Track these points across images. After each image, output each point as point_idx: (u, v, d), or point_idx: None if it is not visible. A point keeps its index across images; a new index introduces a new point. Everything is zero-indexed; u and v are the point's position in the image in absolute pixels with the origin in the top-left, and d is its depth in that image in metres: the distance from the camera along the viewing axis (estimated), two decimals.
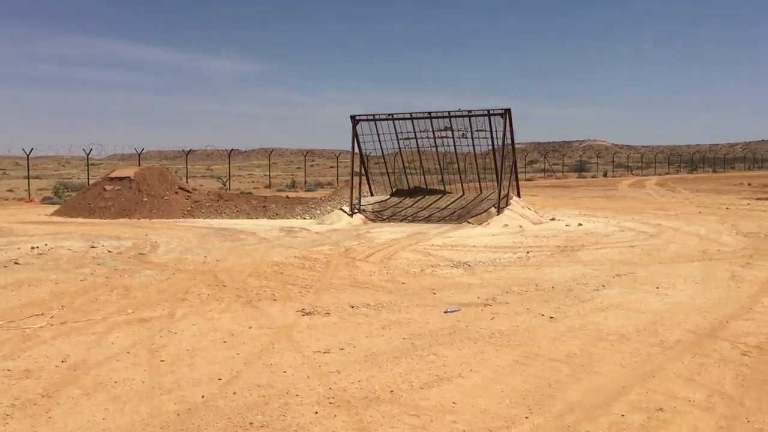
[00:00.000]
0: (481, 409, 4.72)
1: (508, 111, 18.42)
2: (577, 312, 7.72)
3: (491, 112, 18.64)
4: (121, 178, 23.26)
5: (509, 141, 18.75)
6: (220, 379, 5.41)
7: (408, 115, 19.54)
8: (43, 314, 7.61)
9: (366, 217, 19.46)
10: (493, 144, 19.09)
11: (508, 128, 18.44)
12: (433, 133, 19.56)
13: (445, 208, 19.71)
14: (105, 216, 21.87)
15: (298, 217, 21.46)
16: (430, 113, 19.34)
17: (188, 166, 42.66)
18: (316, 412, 4.70)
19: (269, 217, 21.51)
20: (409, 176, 22.08)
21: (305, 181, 45.73)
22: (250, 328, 7.07)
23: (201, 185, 36.48)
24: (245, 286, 9.38)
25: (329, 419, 4.58)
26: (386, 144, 20.38)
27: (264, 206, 22.28)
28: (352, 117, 19.65)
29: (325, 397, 5.00)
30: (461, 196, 20.22)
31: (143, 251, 12.99)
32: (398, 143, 20.35)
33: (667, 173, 70.19)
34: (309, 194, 33.84)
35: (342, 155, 57.02)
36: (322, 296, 8.68)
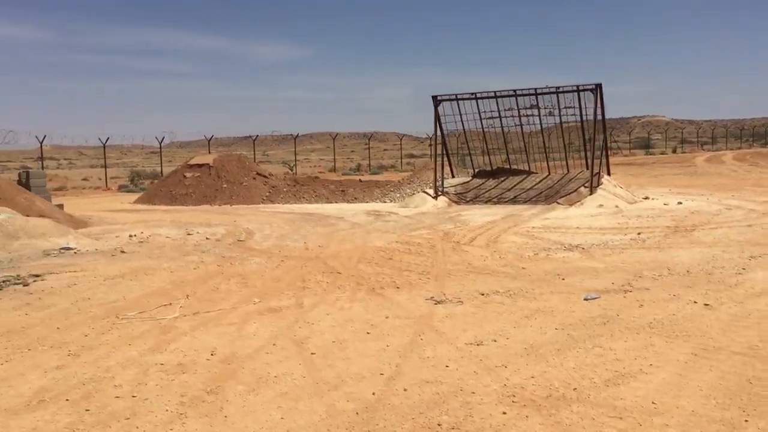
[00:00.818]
0: (688, 411, 4.29)
1: (599, 86, 17.65)
2: (731, 298, 7.16)
3: (580, 87, 17.89)
4: (200, 165, 23.40)
5: (600, 117, 17.98)
6: (382, 374, 5.12)
7: (492, 94, 18.96)
8: (171, 304, 7.48)
9: (449, 199, 19.03)
10: (581, 121, 18.36)
11: (599, 104, 17.67)
12: (518, 112, 18.94)
13: (531, 188, 19.11)
14: (186, 203, 22.05)
15: (377, 200, 21.20)
16: (515, 91, 18.72)
17: (244, 152, 42.74)
18: (504, 413, 4.35)
19: (348, 201, 21.31)
20: (490, 157, 21.49)
21: (369, 164, 45.49)
22: (386, 318, 6.77)
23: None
24: (360, 273, 9.11)
25: (522, 420, 4.23)
26: (468, 124, 19.86)
27: (342, 190, 22.08)
28: (434, 97, 19.18)
29: (504, 395, 4.65)
30: (547, 176, 19.57)
31: (241, 238, 12.89)
32: (481, 123, 19.82)
33: (740, 148, 67.30)
34: (379, 177, 33.53)
35: (405, 138, 56.73)
36: (445, 283, 8.33)
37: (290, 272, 9.26)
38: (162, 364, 5.45)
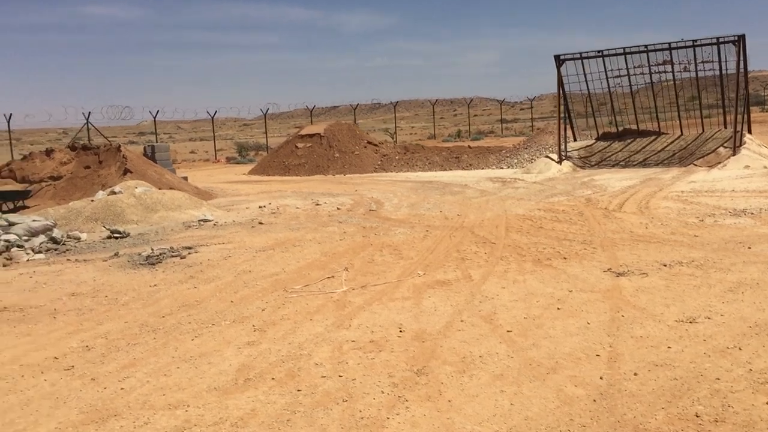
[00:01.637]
0: None
1: (741, 37, 16.20)
2: None
3: (720, 39, 16.49)
4: (311, 135, 23.43)
5: (742, 71, 16.55)
6: (598, 356, 4.67)
7: (621, 51, 17.80)
8: (333, 277, 7.28)
9: (573, 164, 18.16)
10: (721, 76, 16.97)
11: (741, 57, 16.24)
12: (650, 69, 17.73)
13: (662, 150, 17.94)
14: (299, 173, 22.16)
15: (493, 166, 20.56)
16: (646, 47, 17.49)
17: (311, 121, 42.43)
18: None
19: (463, 168, 20.78)
20: (616, 117, 20.29)
21: (469, 131, 44.58)
22: (570, 292, 6.29)
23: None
24: (515, 242, 8.64)
25: None
26: (592, 84, 18.79)
27: (456, 157, 21.56)
28: (557, 57, 18.22)
29: (756, 382, 4.10)
30: (679, 137, 18.29)
31: (372, 208, 12.66)
32: (607, 82, 18.69)
33: None
34: (483, 143, 32.70)
35: (494, 103, 55.20)
36: (615, 253, 7.73)
37: (441, 243, 8.89)
38: (353, 341, 5.20)
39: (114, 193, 12.75)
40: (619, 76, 18.31)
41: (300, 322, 5.74)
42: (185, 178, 17.93)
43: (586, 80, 18.72)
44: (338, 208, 12.77)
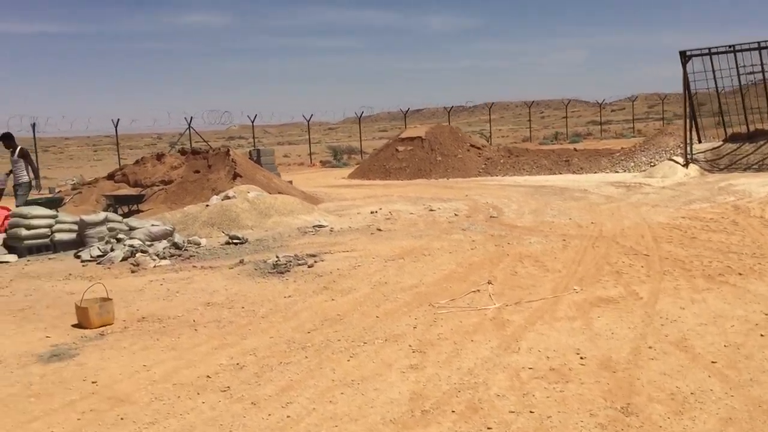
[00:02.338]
0: None
1: None
2: None
3: None
4: (412, 139, 22.97)
5: None
6: None
7: (755, 45, 16.42)
8: (478, 291, 6.70)
9: (700, 167, 16.87)
10: None
11: None
12: None
13: None
14: (400, 177, 21.73)
15: (607, 170, 19.46)
16: None
17: (416, 125, 41.63)
18: None
19: (573, 172, 19.79)
20: (747, 117, 18.74)
21: (567, 133, 43.11)
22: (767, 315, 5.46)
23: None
24: (672, 254, 7.80)
25: None
26: (721, 82, 17.44)
27: (566, 160, 20.56)
28: (682, 53, 16.97)
29: None
30: None
31: (492, 214, 12.01)
32: (738, 79, 17.30)
33: None
34: (587, 145, 31.35)
35: (580, 104, 53.10)
36: None
37: (585, 254, 8.16)
38: (530, 368, 4.60)
39: (228, 197, 12.64)
40: (753, 73, 16.89)
41: (460, 342, 5.18)
42: (290, 183, 17.81)
43: (714, 78, 17.38)
44: (455, 214, 12.19)
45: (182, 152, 17.50)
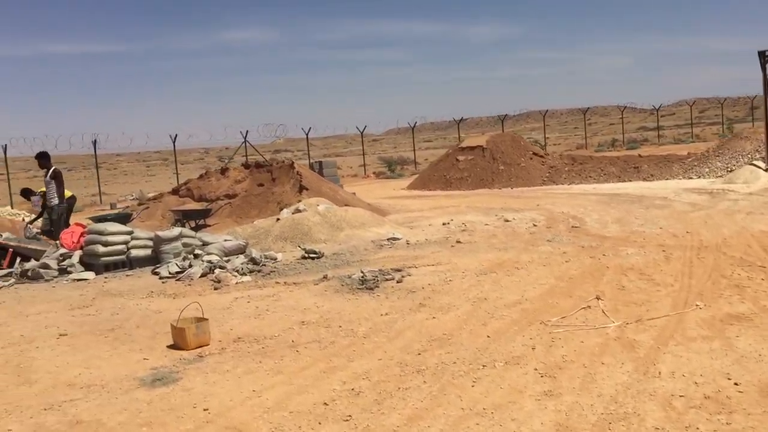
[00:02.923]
0: None
1: None
2: None
3: None
4: (472, 148, 22.54)
5: None
6: None
7: None
8: (589, 307, 6.25)
9: None
10: None
11: None
12: None
13: None
14: (462, 187, 21.32)
15: (680, 176, 18.69)
16: None
17: (460, 134, 40.95)
18: None
19: (644, 179, 19.07)
20: None
21: (623, 139, 42.04)
22: None
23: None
24: None
25: None
26: None
27: (635, 167, 19.85)
28: (761, 53, 16.19)
29: None
30: None
31: (574, 224, 11.51)
32: None
33: None
34: (648, 151, 30.39)
35: (627, 110, 51.62)
36: None
37: (693, 266, 7.63)
38: (681, 395, 4.15)
39: (299, 210, 12.43)
40: None
41: (591, 366, 4.76)
42: (353, 194, 17.57)
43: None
44: (534, 225, 11.73)
45: (246, 166, 17.45)
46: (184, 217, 14.64)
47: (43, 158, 12.15)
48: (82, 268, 10.26)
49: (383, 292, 7.39)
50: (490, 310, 6.37)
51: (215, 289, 8.31)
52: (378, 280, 7.88)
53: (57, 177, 11.82)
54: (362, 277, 8.06)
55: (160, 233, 10.63)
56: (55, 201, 11.85)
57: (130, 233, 10.58)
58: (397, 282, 7.82)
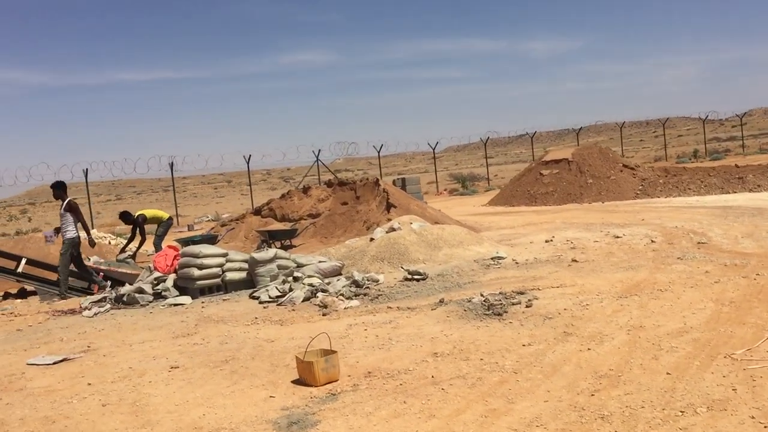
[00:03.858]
0: None
1: None
2: None
3: None
4: (557, 161, 21.59)
5: None
6: None
7: None
8: None
9: None
10: None
11: None
12: None
13: None
14: (548, 202, 20.36)
15: None
16: None
17: (534, 149, 39.86)
18: None
19: (750, 190, 17.75)
20: None
21: (705, 150, 40.09)
22: None
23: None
24: None
25: None
26: None
27: (739, 177, 18.52)
28: None
29: None
30: None
31: (700, 240, 10.49)
32: None
33: None
34: (736, 161, 28.70)
35: (697, 122, 49.23)
36: None
37: None
38: None
39: (393, 229, 11.80)
40: None
41: None
42: (440, 212, 16.88)
43: None
44: (651, 241, 10.76)
45: (328, 184, 17.00)
46: (270, 238, 14.23)
47: (58, 188, 11.22)
48: (177, 293, 9.89)
49: (514, 319, 6.64)
50: (653, 341, 5.53)
51: (323, 315, 7.71)
52: (504, 305, 7.13)
53: (72, 209, 10.95)
54: (484, 301, 7.33)
55: (255, 255, 10.16)
56: (70, 234, 10.91)
57: (224, 255, 10.15)
58: (526, 306, 7.05)
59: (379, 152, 31.67)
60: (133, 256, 12.38)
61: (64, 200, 11.04)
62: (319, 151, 28.92)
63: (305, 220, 16.09)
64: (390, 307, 7.72)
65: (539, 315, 6.68)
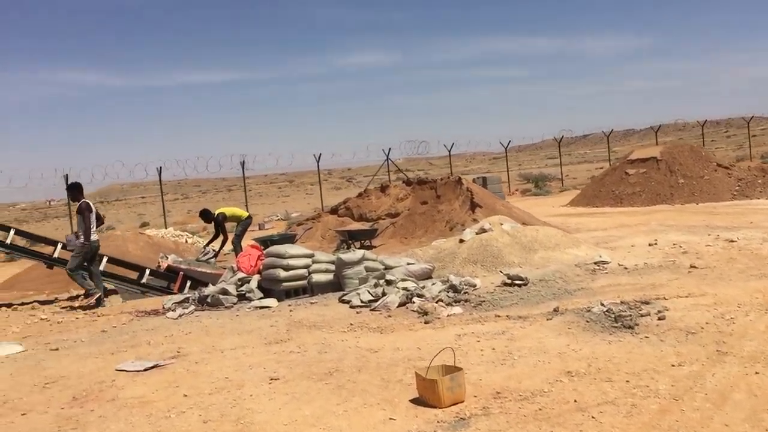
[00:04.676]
0: None
1: None
2: None
3: None
4: (644, 160, 20.42)
5: None
6: None
7: None
8: None
9: None
10: None
11: None
12: None
13: None
14: (635, 203, 19.25)
15: None
16: None
17: (610, 147, 38.23)
18: None
19: None
20: None
21: None
22: None
23: None
24: None
25: None
26: None
27: None
28: None
29: None
30: None
31: None
32: None
33: None
34: None
35: None
36: None
37: None
38: None
39: (483, 230, 11.10)
40: None
41: None
42: (526, 212, 16.06)
43: None
44: None
45: (407, 182, 16.40)
46: (349, 238, 13.74)
47: (71, 190, 10.83)
48: (261, 294, 9.46)
49: (649, 333, 5.87)
50: None
51: (425, 322, 7.09)
52: (632, 316, 6.36)
53: (82, 212, 10.31)
54: (607, 311, 6.57)
55: (342, 256, 9.64)
56: (81, 239, 10.33)
57: (311, 256, 9.67)
58: (659, 319, 6.26)
59: (449, 151, 30.98)
60: (216, 255, 12.08)
61: (78, 202, 10.55)
62: (390, 149, 28.41)
63: (383, 219, 15.55)
64: (498, 316, 7.05)
65: (678, 329, 5.89)
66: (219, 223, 12.52)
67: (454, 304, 7.82)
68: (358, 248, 13.81)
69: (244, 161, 27.68)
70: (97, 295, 10.24)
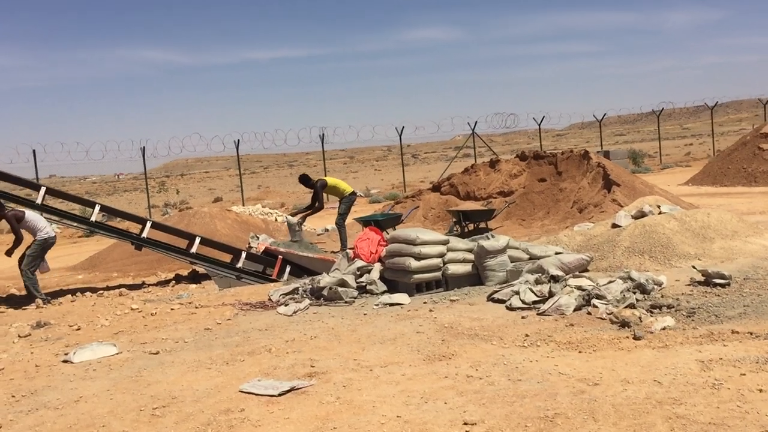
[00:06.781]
0: None
1: None
2: None
3: None
4: None
5: None
6: None
7: None
8: None
9: None
10: None
11: None
12: None
13: None
14: None
15: None
16: None
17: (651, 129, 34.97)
18: None
19: None
20: None
21: None
22: None
23: None
24: None
25: None
26: None
27: None
28: None
29: None
30: None
31: None
32: None
33: None
34: None
35: None
36: None
37: None
38: None
39: (643, 213, 9.24)
40: None
41: None
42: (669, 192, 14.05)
43: None
44: None
45: (521, 157, 14.56)
46: (464, 219, 12.05)
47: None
48: (384, 287, 7.93)
49: None
50: None
51: (635, 338, 5.36)
52: None
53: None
54: None
55: (484, 243, 7.96)
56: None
57: (445, 243, 8.04)
58: None
59: (539, 124, 28.79)
60: (303, 221, 10.73)
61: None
62: (476, 123, 26.51)
63: (495, 198, 13.79)
64: (736, 332, 5.26)
65: None
66: (317, 191, 11.04)
67: (653, 311, 6.06)
68: (471, 231, 12.14)
69: (323, 134, 26.22)
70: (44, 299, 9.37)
